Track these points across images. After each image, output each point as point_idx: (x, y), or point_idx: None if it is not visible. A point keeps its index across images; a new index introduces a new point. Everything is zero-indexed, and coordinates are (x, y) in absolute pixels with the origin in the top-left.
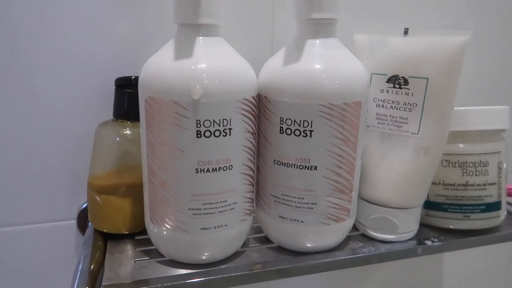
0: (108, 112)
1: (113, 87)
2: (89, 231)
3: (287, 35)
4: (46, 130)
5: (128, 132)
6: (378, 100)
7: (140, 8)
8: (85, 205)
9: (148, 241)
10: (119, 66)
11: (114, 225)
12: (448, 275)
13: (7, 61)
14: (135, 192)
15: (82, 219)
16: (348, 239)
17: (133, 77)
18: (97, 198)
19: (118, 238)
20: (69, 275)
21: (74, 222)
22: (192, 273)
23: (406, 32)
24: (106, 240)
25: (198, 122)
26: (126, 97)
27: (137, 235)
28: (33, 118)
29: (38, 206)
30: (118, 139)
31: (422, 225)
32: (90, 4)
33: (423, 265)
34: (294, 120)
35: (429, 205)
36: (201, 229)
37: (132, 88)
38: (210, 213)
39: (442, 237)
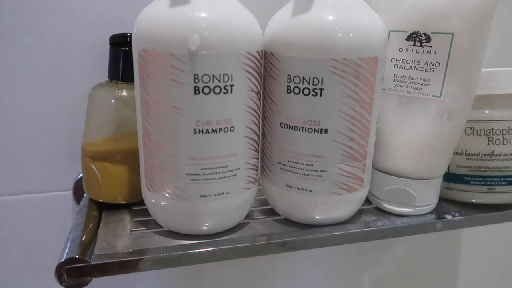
0: (103, 74)
1: (108, 46)
2: (84, 200)
3: None
4: (37, 94)
5: (124, 94)
6: (396, 60)
7: None
8: (81, 175)
9: (146, 212)
10: (114, 24)
11: (110, 194)
12: (466, 253)
13: None
14: (132, 159)
15: (79, 189)
16: (360, 212)
17: (129, 34)
18: (92, 165)
19: (114, 208)
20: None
21: (70, 192)
22: (191, 244)
23: None
24: (101, 210)
25: (196, 76)
26: (122, 56)
27: (135, 205)
28: (23, 82)
29: (34, 175)
30: (113, 101)
31: (442, 199)
32: None
33: (440, 242)
34: (303, 78)
35: (450, 177)
36: (200, 196)
37: (129, 46)
38: (209, 179)
39: (463, 212)
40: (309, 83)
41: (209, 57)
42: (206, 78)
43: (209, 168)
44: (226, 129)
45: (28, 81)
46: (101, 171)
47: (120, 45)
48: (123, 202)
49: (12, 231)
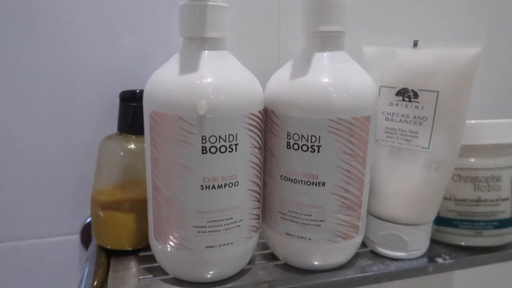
0: (112, 126)
1: (117, 100)
2: (92, 247)
3: (294, 48)
4: (50, 143)
5: (132, 146)
6: (387, 114)
7: (144, 21)
8: (89, 220)
9: (152, 258)
10: (123, 79)
11: (117, 241)
12: None
13: (11, 74)
14: (139, 207)
15: (86, 234)
16: (356, 256)
17: (137, 91)
18: (101, 213)
19: (121, 254)
20: None
21: (77, 236)
22: None
23: (415, 44)
24: (109, 256)
25: (204, 137)
26: (131, 110)
27: (141, 251)
28: (36, 131)
29: (41, 220)
30: (122, 153)
31: (433, 241)
32: (94, 16)
33: (433, 283)
34: (302, 135)
35: (440, 221)
36: (206, 247)
37: (137, 101)
38: (215, 231)
39: (453, 255)
40: (307, 140)
41: (216, 120)
42: (213, 139)
43: (215, 221)
44: (231, 184)
45: (43, 128)
46: (110, 219)
47: (130, 100)
48: (130, 249)
49: (19, 276)
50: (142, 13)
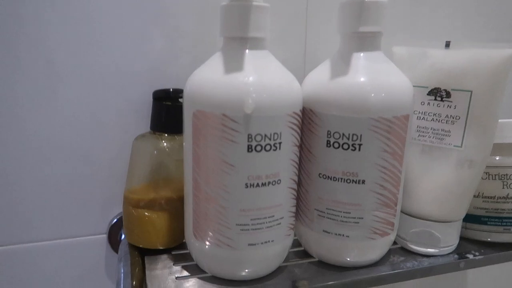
0: (144, 125)
1: (149, 100)
2: (124, 247)
3: (320, 50)
4: (81, 142)
5: (165, 144)
6: (419, 113)
7: (175, 22)
8: (116, 220)
9: (186, 257)
10: (154, 79)
11: (150, 240)
12: None
13: (43, 73)
14: (171, 206)
15: (114, 234)
16: (388, 253)
17: (171, 90)
18: (134, 212)
19: (154, 253)
20: None
21: (105, 236)
22: None
23: (447, 45)
24: (142, 255)
25: (250, 136)
26: (164, 109)
27: (173, 250)
28: (69, 130)
29: (70, 220)
30: (155, 152)
31: (461, 238)
32: (127, 17)
33: (445, 281)
34: (343, 134)
35: (468, 218)
36: (249, 245)
37: (170, 100)
38: (258, 229)
39: (482, 250)
40: (348, 139)
41: (262, 119)
42: (258, 138)
43: (258, 219)
44: (274, 182)
45: (75, 128)
46: (143, 218)
47: (163, 99)
48: (162, 248)
49: (47, 276)
50: (173, 14)
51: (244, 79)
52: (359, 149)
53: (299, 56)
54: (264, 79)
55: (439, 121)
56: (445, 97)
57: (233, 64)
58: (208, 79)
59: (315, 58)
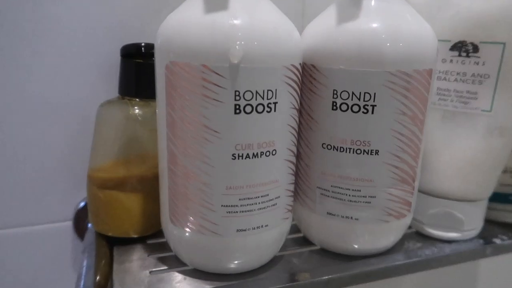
0: (112, 90)
1: (118, 60)
2: (90, 235)
3: (320, 2)
4: (37, 113)
5: (137, 112)
6: (440, 72)
7: None
8: (83, 204)
9: (164, 246)
10: (124, 36)
11: (120, 227)
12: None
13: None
14: (145, 186)
15: (80, 220)
16: (401, 238)
17: (143, 44)
18: (100, 194)
19: (125, 243)
20: (63, 284)
21: (70, 223)
22: (227, 285)
23: None
24: (111, 245)
25: (237, 93)
26: (135, 68)
27: (148, 238)
28: (23, 98)
29: (29, 206)
30: (125, 121)
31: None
32: None
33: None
34: (353, 93)
35: (493, 196)
36: (238, 231)
37: (142, 58)
38: (248, 211)
39: (510, 234)
40: (359, 99)
41: (252, 71)
42: (248, 95)
43: (248, 198)
44: (268, 153)
45: (30, 95)
46: (111, 201)
47: (133, 56)
48: (135, 236)
49: (7, 267)
50: None
51: (229, 21)
52: (372, 112)
53: (297, 9)
54: (255, 20)
55: (463, 82)
56: (472, 52)
57: (216, 1)
58: (183, 22)
59: (315, 12)
